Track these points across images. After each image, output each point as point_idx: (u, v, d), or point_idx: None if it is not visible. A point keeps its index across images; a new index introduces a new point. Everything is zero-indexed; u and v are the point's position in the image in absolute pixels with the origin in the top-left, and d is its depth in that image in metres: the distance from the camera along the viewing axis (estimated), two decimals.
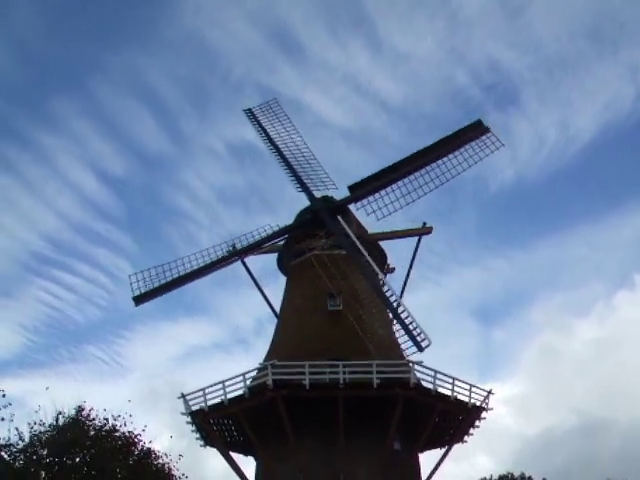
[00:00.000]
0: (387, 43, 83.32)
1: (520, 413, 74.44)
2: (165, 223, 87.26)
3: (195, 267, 31.19)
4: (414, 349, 25.40)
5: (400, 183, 30.65)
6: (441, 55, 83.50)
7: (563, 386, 75.31)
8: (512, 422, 72.60)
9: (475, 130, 31.73)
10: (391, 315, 27.75)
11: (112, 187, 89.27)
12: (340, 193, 31.88)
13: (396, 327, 27.39)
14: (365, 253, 28.54)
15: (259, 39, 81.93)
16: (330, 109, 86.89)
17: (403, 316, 26.21)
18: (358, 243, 29.11)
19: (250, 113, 35.73)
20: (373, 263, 28.17)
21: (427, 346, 25.29)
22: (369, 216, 30.24)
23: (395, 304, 26.98)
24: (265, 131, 34.83)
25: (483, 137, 31.77)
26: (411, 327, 25.73)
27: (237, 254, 31.51)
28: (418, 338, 25.40)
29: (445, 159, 31.11)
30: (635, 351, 69.63)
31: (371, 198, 30.23)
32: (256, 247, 31.64)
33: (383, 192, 30.38)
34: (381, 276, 28.49)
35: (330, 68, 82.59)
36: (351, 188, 30.90)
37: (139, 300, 30.97)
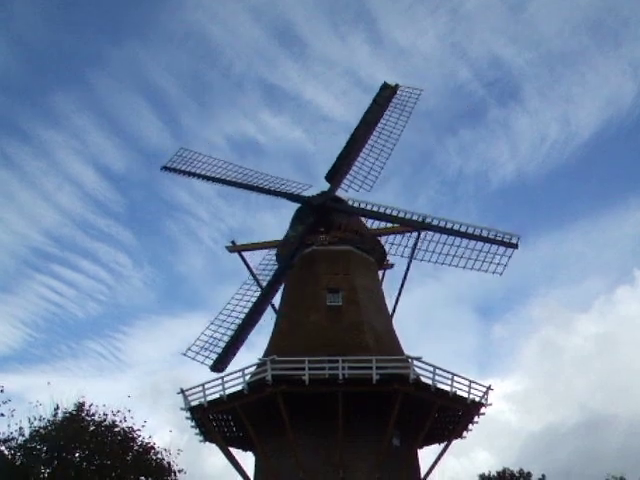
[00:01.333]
0: (388, 38, 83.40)
1: (521, 409, 74.54)
2: (165, 218, 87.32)
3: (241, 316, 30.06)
4: (509, 251, 27.80)
5: (363, 154, 32.29)
6: (442, 50, 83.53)
7: (564, 382, 75.50)
8: (513, 418, 72.78)
9: (386, 90, 34.54)
10: (462, 240, 28.71)
11: (112, 182, 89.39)
12: (319, 188, 32.48)
13: (476, 246, 28.55)
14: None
15: (260, 33, 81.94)
16: (331, 103, 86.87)
17: (477, 232, 28.27)
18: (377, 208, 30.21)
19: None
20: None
21: (519, 240, 27.64)
22: (360, 190, 31.20)
23: (463, 228, 28.53)
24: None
25: (399, 93, 34.53)
26: (491, 235, 28.02)
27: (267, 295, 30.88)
28: (505, 239, 27.66)
29: (382, 123, 33.34)
30: (636, 347, 69.65)
31: (350, 177, 31.59)
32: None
33: (356, 167, 31.80)
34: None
35: (331, 63, 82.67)
36: (328, 178, 31.76)
37: (217, 367, 28.25)
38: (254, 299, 30.55)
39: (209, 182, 34.23)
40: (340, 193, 31.89)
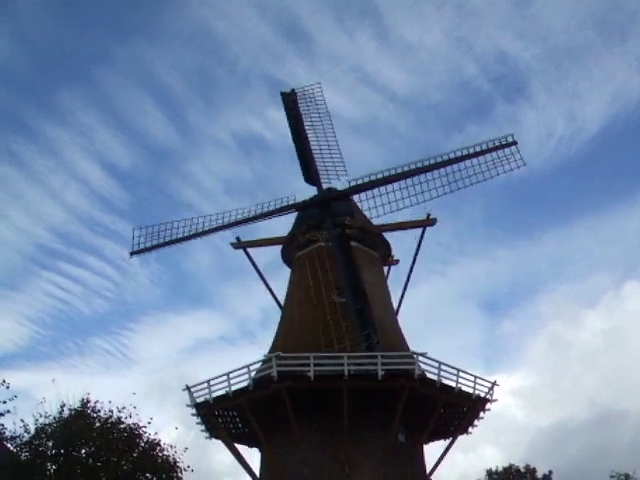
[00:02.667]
0: (395, 34, 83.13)
1: (528, 404, 74.33)
2: (171, 215, 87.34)
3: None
4: (513, 148, 29.96)
5: (314, 147, 32.30)
6: (449, 46, 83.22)
7: (572, 377, 75.21)
8: (520, 413, 72.63)
9: (288, 98, 33.52)
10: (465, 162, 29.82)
11: (119, 179, 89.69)
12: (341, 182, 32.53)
13: (481, 161, 30.16)
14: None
15: (266, 30, 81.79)
16: (337, 100, 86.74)
17: (475, 150, 30.32)
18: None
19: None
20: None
21: (513, 136, 30.31)
22: (340, 178, 31.73)
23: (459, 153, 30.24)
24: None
25: (300, 94, 33.98)
26: (489, 146, 30.34)
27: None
28: (502, 142, 30.38)
29: (308, 122, 33.04)
30: None
31: (323, 172, 32.01)
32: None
33: (319, 160, 32.04)
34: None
35: (338, 59, 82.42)
36: (306, 179, 32.33)
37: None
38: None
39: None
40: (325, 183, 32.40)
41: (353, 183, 31.27)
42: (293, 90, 34.88)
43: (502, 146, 30.57)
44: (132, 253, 32.44)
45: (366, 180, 31.01)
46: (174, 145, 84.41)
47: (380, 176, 30.85)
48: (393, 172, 30.82)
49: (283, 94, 34.45)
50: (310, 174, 32.33)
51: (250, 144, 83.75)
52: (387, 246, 32.62)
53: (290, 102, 34.34)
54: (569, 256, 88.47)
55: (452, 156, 30.65)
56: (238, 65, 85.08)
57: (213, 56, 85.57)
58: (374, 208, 30.68)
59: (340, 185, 32.41)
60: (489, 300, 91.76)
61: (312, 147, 32.92)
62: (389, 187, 30.85)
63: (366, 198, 30.86)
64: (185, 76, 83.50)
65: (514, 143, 30.53)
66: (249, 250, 32.82)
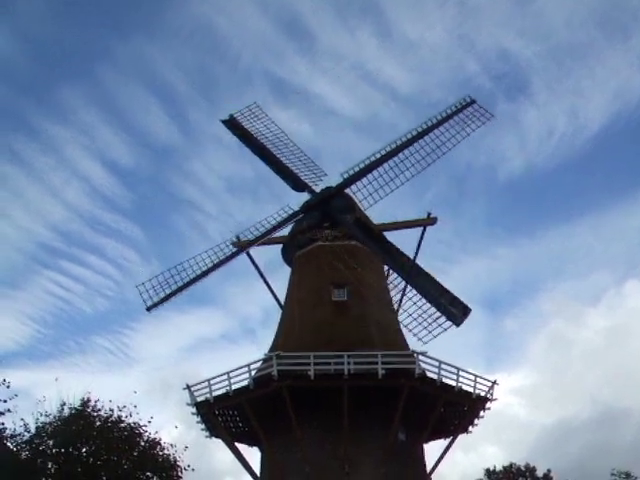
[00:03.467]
0: (396, 31, 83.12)
1: (530, 403, 74.41)
2: (173, 213, 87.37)
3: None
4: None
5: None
6: (450, 43, 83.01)
7: (574, 376, 75.27)
8: (522, 412, 72.69)
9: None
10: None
11: (120, 177, 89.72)
12: (331, 180, 32.41)
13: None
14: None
15: (268, 27, 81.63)
16: (339, 97, 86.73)
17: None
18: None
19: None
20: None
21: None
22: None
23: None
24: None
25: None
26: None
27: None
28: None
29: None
30: None
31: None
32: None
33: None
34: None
35: (339, 56, 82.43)
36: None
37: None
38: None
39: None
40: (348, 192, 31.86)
41: (346, 175, 31.19)
42: (231, 115, 34.62)
43: (463, 107, 32.61)
44: (149, 309, 30.54)
45: (357, 169, 31.04)
46: (176, 143, 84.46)
47: (362, 166, 31.01)
48: (373, 158, 31.10)
49: (225, 121, 34.27)
50: (296, 182, 32.38)
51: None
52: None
53: (236, 127, 34.32)
54: (570, 254, 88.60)
55: (420, 130, 31.81)
56: (239, 63, 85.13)
57: (214, 54, 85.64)
58: (370, 195, 30.67)
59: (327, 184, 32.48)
60: (490, 298, 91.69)
61: (281, 160, 33.00)
62: (375, 172, 31.07)
63: (357, 189, 30.92)
64: (186, 74, 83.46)
65: (473, 102, 32.81)
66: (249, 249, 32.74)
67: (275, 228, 31.69)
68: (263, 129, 34.45)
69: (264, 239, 32.51)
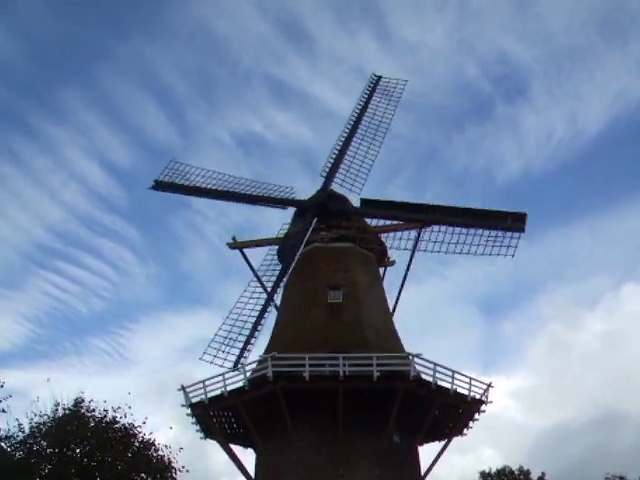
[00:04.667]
0: (396, 34, 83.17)
1: (528, 406, 74.45)
2: (170, 214, 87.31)
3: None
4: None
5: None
6: (450, 47, 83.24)
7: (572, 379, 75.30)
8: (519, 415, 72.76)
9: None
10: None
11: (117, 178, 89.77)
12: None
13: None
14: None
15: (267, 29, 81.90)
16: (338, 100, 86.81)
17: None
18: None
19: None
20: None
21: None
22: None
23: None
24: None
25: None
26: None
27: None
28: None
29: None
30: None
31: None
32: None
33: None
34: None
35: (339, 59, 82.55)
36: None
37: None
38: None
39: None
40: (335, 188, 32.24)
41: (324, 173, 32.04)
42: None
43: (374, 84, 34.59)
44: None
45: (330, 162, 32.13)
46: (174, 144, 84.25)
47: (333, 157, 32.30)
48: (335, 151, 32.45)
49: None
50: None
51: (250, 144, 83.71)
52: (383, 247, 32.59)
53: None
54: (569, 257, 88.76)
55: (355, 114, 33.56)
56: (239, 64, 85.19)
57: (214, 55, 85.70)
58: (355, 182, 31.71)
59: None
60: (488, 301, 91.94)
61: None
62: (346, 160, 32.15)
63: (341, 180, 31.87)
64: (186, 75, 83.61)
65: (380, 77, 34.81)
66: (245, 250, 32.76)
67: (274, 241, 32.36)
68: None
69: (259, 241, 32.64)
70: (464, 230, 29.27)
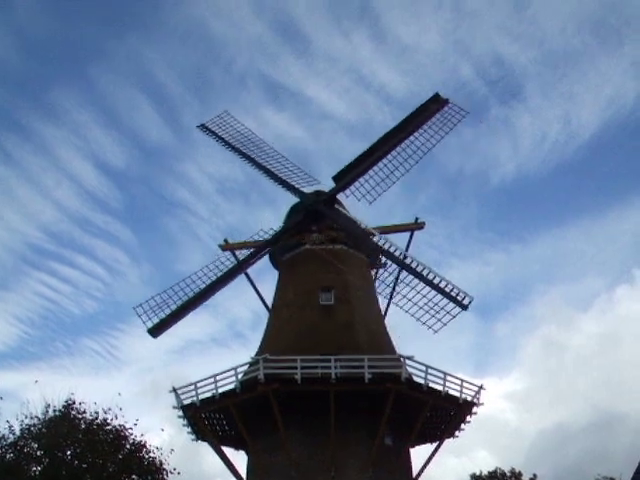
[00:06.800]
0: (391, 35, 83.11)
1: (522, 408, 74.44)
2: (164, 215, 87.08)
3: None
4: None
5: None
6: (445, 48, 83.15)
7: (566, 381, 75.31)
8: (513, 417, 72.77)
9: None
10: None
11: (111, 178, 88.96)
12: (325, 186, 32.17)
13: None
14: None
15: (263, 29, 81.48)
16: (333, 101, 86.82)
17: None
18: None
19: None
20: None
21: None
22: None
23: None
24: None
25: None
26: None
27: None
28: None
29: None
30: (637, 346, 69.57)
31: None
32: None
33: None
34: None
35: (334, 59, 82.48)
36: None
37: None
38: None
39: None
40: (340, 197, 31.83)
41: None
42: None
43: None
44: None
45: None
46: (168, 144, 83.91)
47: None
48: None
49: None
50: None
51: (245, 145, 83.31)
52: (375, 249, 32.56)
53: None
54: (562, 259, 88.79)
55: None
56: (234, 64, 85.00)
57: (209, 55, 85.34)
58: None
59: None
60: (482, 303, 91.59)
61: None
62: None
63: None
64: (180, 75, 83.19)
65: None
66: (237, 252, 32.72)
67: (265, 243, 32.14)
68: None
69: (251, 242, 32.63)
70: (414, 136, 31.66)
